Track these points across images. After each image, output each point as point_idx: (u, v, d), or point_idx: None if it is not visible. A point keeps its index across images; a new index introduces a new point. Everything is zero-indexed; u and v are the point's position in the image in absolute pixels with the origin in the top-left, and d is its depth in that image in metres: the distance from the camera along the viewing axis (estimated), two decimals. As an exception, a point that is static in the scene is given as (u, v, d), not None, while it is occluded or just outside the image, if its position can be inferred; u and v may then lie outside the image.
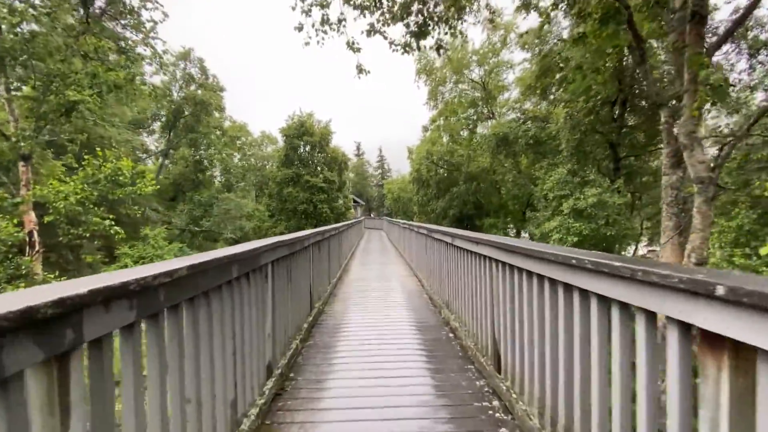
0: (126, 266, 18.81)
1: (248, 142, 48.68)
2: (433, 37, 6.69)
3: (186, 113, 29.26)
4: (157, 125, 32.45)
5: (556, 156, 13.28)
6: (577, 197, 10.13)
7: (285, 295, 3.41)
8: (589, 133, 11.36)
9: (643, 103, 11.45)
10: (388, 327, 4.55)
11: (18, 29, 9.48)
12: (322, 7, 6.58)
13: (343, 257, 9.83)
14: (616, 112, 11.84)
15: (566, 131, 11.36)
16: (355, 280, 8.07)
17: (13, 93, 13.04)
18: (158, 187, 11.32)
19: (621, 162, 13.85)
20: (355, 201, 53.94)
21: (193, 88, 29.66)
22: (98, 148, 18.55)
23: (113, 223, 8.88)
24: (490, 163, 14.73)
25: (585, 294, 1.57)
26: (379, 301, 5.97)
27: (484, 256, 3.15)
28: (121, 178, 7.99)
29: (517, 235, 22.54)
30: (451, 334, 4.20)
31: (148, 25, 12.48)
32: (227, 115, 39.81)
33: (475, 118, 22.31)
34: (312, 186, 25.67)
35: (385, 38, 6.78)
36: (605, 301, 1.45)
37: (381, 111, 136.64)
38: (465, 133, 23.99)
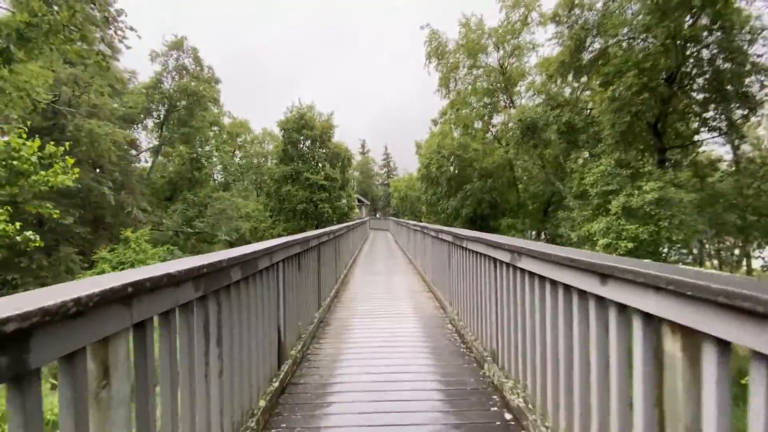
0: (103, 272, 17.36)
1: (250, 139, 47.32)
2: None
3: (179, 106, 27.84)
4: (151, 122, 31.01)
5: (594, 145, 11.48)
6: (630, 193, 8.35)
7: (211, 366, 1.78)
8: (642, 115, 9.54)
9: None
10: (396, 387, 2.85)
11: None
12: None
13: (342, 268, 8.19)
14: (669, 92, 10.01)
15: (610, 114, 9.57)
16: (356, 300, 6.40)
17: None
18: (71, 179, 9.03)
19: (666, 153, 12.01)
20: (359, 200, 52.25)
21: (186, 79, 28.20)
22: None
23: (18, 228, 6.61)
24: (514, 154, 12.97)
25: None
26: (386, 341, 4.24)
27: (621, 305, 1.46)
28: (16, 162, 5.97)
29: (538, 237, 20.68)
30: (509, 416, 2.47)
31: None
32: (226, 111, 38.48)
33: (491, 108, 20.51)
34: (312, 184, 24.02)
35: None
36: None
37: (387, 108, 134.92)
38: (479, 125, 22.17)
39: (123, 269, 16.63)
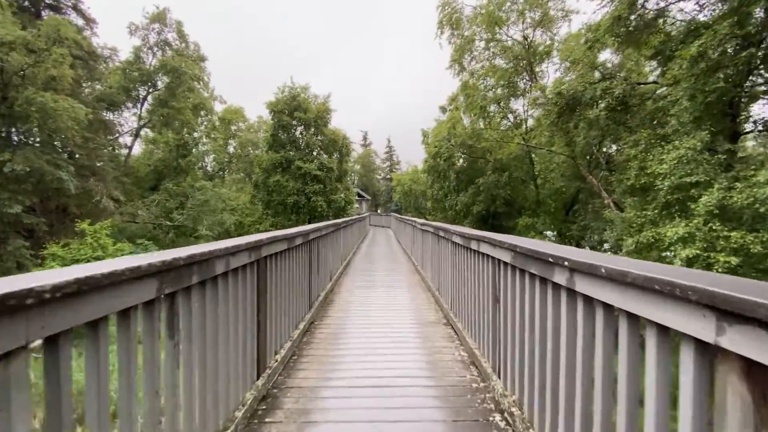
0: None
1: (246, 128, 44.97)
2: None
3: (160, 86, 25.52)
4: (131, 104, 28.57)
5: (651, 126, 9.15)
6: (728, 186, 6.05)
7: None
8: (744, 77, 7.19)
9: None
10: None
11: None
12: None
13: (323, 282, 5.93)
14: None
15: (689, 82, 7.21)
16: (345, 327, 4.12)
17: None
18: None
19: (740, 138, 9.66)
20: (359, 195, 49.98)
21: (170, 55, 25.81)
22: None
23: None
24: (549, 136, 10.67)
25: None
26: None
27: None
28: None
29: (562, 240, 18.35)
30: None
31: None
32: (217, 95, 36.16)
33: (510, 90, 18.10)
34: (305, 174, 21.68)
35: None
36: None
37: (390, 99, 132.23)
38: (495, 109, 19.77)
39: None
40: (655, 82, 10.05)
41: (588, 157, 15.15)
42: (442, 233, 5.48)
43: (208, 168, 44.32)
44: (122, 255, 17.83)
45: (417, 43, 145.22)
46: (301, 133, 22.97)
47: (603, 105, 9.72)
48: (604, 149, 14.24)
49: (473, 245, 3.51)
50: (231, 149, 43.46)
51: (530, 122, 20.18)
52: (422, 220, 9.91)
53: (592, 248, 15.74)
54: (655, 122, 9.11)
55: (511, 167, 21.11)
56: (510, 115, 19.99)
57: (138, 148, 34.46)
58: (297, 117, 21.73)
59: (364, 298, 6.36)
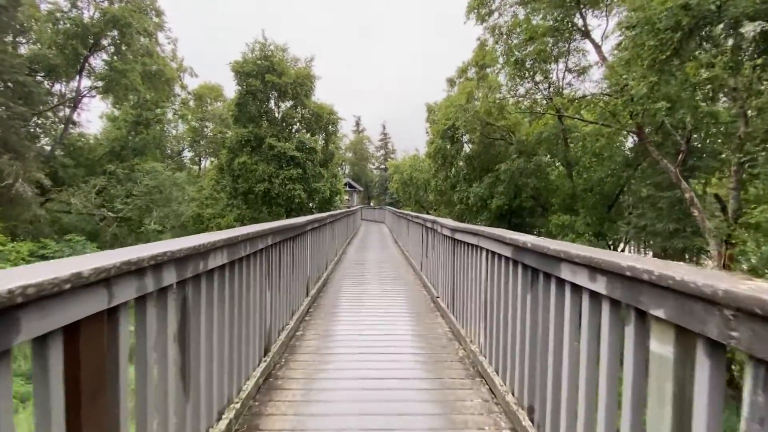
0: None
1: (225, 107, 40.54)
2: None
3: (102, 44, 21.15)
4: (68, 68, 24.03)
5: None
6: None
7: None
8: None
9: None
10: None
11: None
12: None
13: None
14: None
15: None
16: None
17: None
18: None
19: None
20: (350, 186, 46.01)
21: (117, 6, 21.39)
22: None
23: None
24: (649, 87, 7.03)
25: None
26: None
27: None
28: None
29: (607, 245, 14.62)
30: None
31: None
32: (187, 66, 31.71)
33: (558, 45, 14.20)
34: (279, 155, 17.60)
35: None
36: None
37: (385, 84, 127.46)
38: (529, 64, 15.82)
39: None
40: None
41: (660, 134, 11.41)
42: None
43: (185, 154, 39.99)
44: (21, 260, 13.76)
45: (415, 25, 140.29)
46: (275, 104, 18.83)
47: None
48: (689, 122, 10.44)
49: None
50: (209, 133, 39.03)
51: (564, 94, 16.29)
52: (431, 218, 6.20)
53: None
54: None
55: (539, 151, 17.30)
56: (542, 85, 16.07)
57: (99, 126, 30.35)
58: (269, 81, 17.50)
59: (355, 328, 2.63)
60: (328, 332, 4.09)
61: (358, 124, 58.91)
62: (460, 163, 21.40)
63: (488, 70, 18.74)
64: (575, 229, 14.78)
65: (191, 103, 37.97)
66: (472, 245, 3.43)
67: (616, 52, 12.52)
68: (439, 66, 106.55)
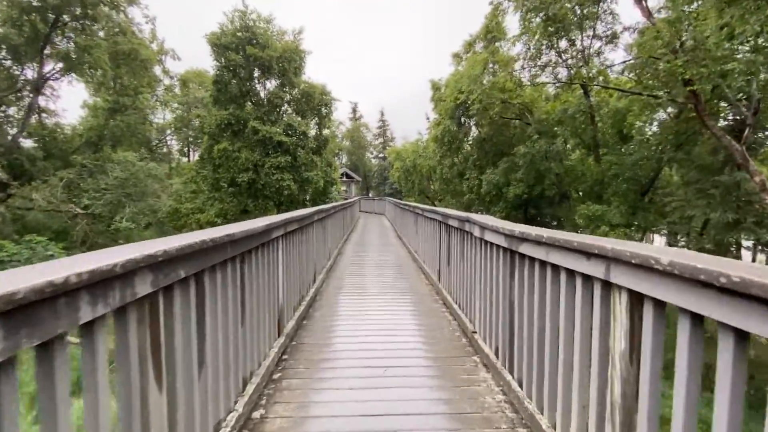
0: None
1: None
2: None
3: (64, 20, 19.02)
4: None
5: None
6: None
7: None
8: None
9: None
10: None
11: None
12: None
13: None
14: None
15: None
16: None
17: None
18: None
19: None
20: (347, 176, 44.12)
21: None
22: None
23: None
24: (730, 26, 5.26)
25: None
26: None
27: None
28: None
29: (635, 237, 12.80)
30: None
31: None
32: (168, 49, 29.56)
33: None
34: (265, 140, 15.63)
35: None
36: None
37: (382, 71, 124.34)
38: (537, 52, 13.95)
39: None
40: None
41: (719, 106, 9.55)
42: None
43: (173, 144, 38.07)
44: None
45: (414, 9, 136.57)
46: (260, 82, 16.79)
47: None
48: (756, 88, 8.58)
49: None
50: (195, 121, 36.94)
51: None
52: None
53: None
54: None
55: (559, 131, 15.41)
56: (564, 55, 14.08)
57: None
58: (251, 55, 15.40)
59: None
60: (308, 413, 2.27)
61: (354, 111, 56.71)
62: (468, 147, 19.51)
63: (499, 44, 16.76)
64: (606, 220, 12.96)
65: (177, 90, 35.95)
66: (555, 266, 1.67)
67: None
68: (439, 52, 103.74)
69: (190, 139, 38.32)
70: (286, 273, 3.67)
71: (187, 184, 20.24)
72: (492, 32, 17.34)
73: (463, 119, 16.61)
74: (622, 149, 14.66)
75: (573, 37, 12.87)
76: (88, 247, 19.78)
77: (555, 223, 16.96)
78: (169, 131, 36.83)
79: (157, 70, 31.13)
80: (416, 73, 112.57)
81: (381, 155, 55.00)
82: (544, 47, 13.84)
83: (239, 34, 15.70)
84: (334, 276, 6.49)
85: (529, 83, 14.31)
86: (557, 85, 13.88)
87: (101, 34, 20.69)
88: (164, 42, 29.24)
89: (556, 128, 14.85)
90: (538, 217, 17.81)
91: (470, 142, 19.46)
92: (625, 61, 12.18)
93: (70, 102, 44.88)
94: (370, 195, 48.54)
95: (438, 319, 4.22)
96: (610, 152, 14.89)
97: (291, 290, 3.92)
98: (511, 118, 16.67)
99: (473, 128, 19.11)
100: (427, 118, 27.57)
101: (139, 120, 23.90)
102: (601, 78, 12.57)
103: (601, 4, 13.11)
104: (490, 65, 15.92)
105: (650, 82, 10.86)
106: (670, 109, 13.60)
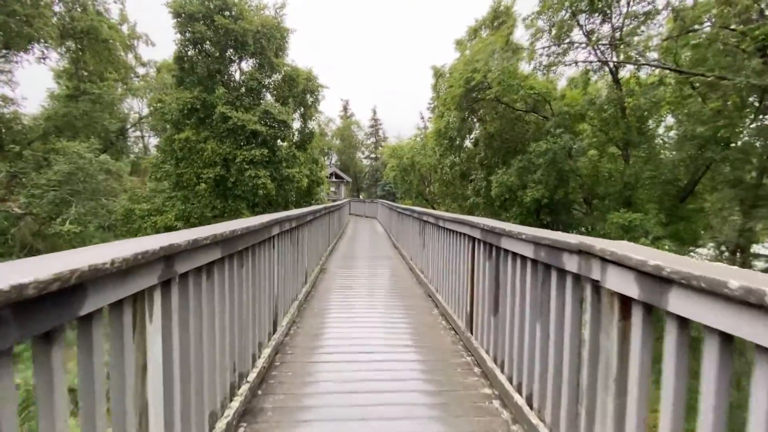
0: None
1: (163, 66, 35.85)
2: None
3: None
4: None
5: None
6: None
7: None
8: None
9: None
10: None
11: None
12: None
13: None
14: None
15: None
16: None
17: None
18: None
19: None
20: (337, 176, 41.85)
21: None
22: None
23: None
24: None
25: None
26: None
27: None
28: None
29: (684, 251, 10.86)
30: None
31: None
32: (141, 34, 27.12)
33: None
34: (236, 129, 13.32)
35: None
36: None
37: (375, 67, 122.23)
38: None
39: None
40: None
41: None
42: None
43: (149, 140, 35.47)
44: None
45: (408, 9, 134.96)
46: (233, 61, 14.49)
47: None
48: None
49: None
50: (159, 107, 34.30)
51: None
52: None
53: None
54: None
55: (580, 127, 13.47)
56: (594, 36, 12.11)
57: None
58: (222, 27, 13.07)
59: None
60: None
61: (345, 108, 54.51)
62: (470, 145, 17.50)
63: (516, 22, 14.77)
64: (646, 231, 10.97)
65: (153, 81, 33.42)
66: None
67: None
68: (433, 53, 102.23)
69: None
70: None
71: (150, 180, 17.81)
72: (500, 17, 15.42)
73: (473, 107, 14.50)
74: (656, 146, 12.75)
75: (608, 12, 10.90)
76: (27, 252, 17.25)
77: (574, 232, 14.99)
78: (145, 122, 34.22)
79: (131, 58, 28.68)
80: (411, 73, 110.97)
81: (373, 156, 52.85)
82: (568, 26, 11.87)
83: (207, 2, 13.39)
84: (308, 314, 4.29)
85: (552, 65, 12.26)
86: (592, 67, 11.85)
87: (57, 9, 18.35)
88: (136, 25, 26.75)
89: (580, 123, 12.88)
90: (552, 224, 15.82)
91: (473, 140, 17.45)
92: (678, 35, 10.16)
93: (38, 90, 41.71)
94: (361, 197, 46.35)
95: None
96: (640, 150, 12.95)
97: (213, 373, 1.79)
98: (525, 111, 14.66)
99: (477, 125, 17.10)
100: (429, 108, 25.53)
101: (97, 109, 21.38)
102: (651, 57, 10.60)
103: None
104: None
105: (714, 59, 8.90)
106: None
